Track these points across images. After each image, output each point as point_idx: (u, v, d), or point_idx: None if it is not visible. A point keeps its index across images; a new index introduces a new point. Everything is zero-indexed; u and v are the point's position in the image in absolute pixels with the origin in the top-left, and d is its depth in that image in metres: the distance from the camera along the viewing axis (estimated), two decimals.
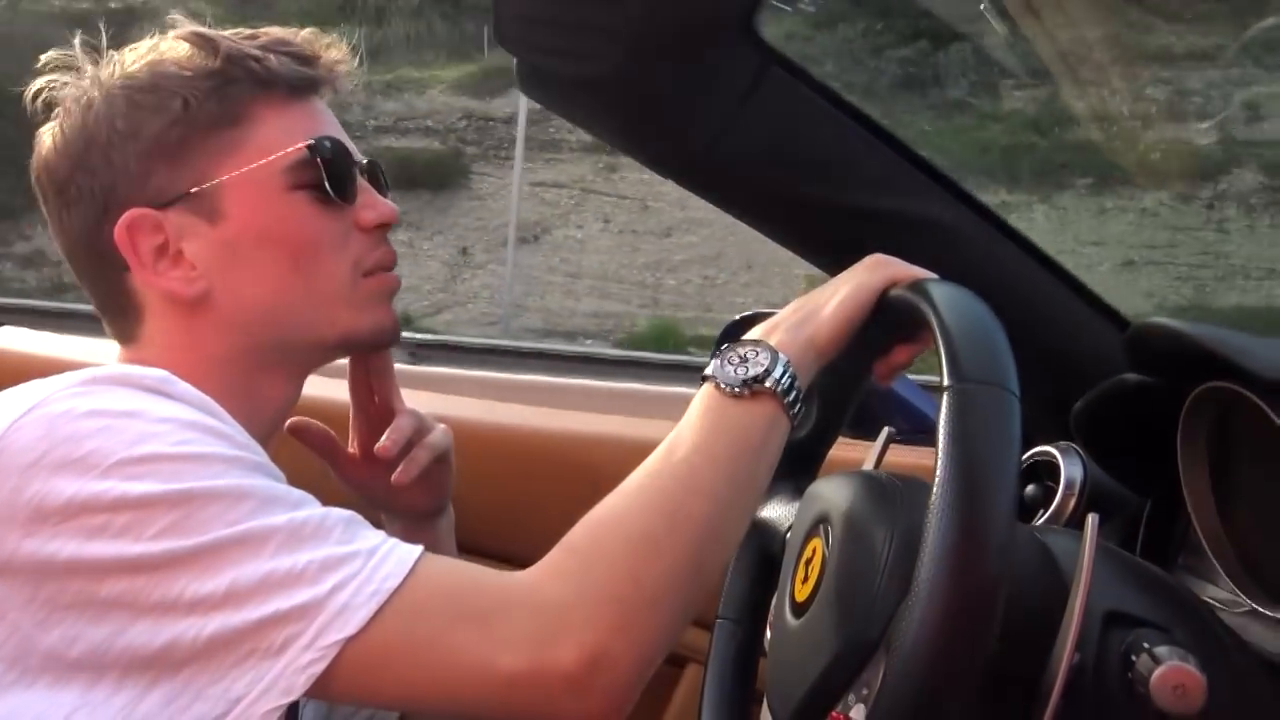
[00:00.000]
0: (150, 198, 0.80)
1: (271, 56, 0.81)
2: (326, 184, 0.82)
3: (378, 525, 0.71)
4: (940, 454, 0.61)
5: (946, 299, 0.71)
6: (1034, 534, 0.74)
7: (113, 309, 0.84)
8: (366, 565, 0.65)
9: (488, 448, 1.24)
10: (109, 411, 0.67)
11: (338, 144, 0.84)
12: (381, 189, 0.89)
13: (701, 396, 0.75)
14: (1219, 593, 0.84)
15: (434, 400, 1.31)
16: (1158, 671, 0.60)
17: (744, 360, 0.75)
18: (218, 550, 0.63)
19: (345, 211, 0.84)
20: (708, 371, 0.76)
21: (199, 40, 0.81)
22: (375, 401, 0.96)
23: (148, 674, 0.63)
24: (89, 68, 0.82)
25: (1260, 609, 0.78)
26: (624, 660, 0.65)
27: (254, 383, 0.83)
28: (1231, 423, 0.82)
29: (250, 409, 0.80)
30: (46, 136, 0.83)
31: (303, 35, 0.86)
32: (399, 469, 0.94)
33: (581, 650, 0.64)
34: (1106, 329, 1.04)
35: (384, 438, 0.93)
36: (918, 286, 0.76)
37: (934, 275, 0.81)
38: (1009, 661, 0.64)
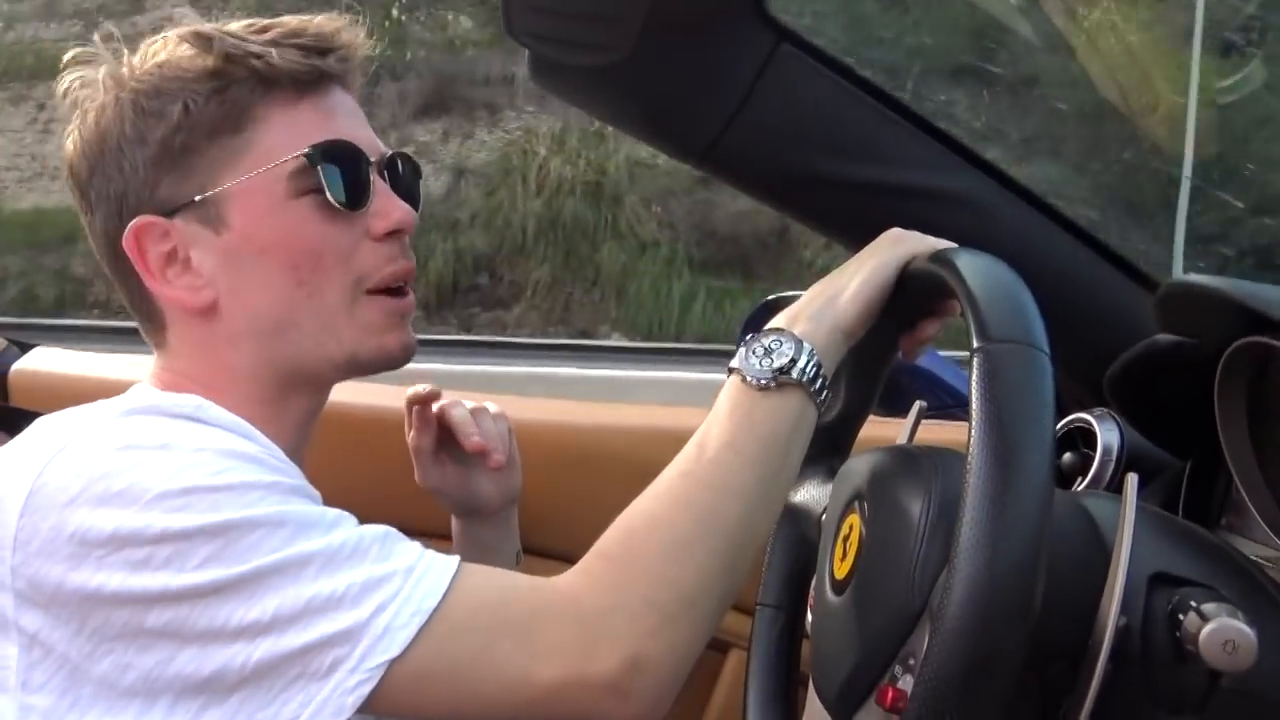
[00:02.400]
0: (159, 205, 0.79)
1: (274, 51, 0.78)
2: (327, 192, 0.78)
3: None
4: (974, 415, 0.60)
5: (968, 264, 0.71)
6: (1074, 499, 0.74)
7: (141, 314, 0.84)
8: (406, 583, 0.65)
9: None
10: (143, 445, 0.68)
11: (343, 147, 0.80)
12: (406, 187, 0.85)
13: (728, 390, 0.75)
14: (1265, 550, 0.83)
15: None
16: (1207, 629, 0.59)
17: (769, 351, 0.74)
18: (259, 578, 0.63)
19: (355, 218, 0.80)
20: (734, 364, 0.76)
21: (197, 40, 0.79)
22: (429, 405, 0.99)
23: (199, 699, 0.64)
24: (105, 67, 0.80)
25: None
26: (663, 663, 0.66)
27: (280, 395, 0.82)
28: (1268, 377, 0.81)
29: (279, 420, 0.81)
30: (69, 139, 0.82)
31: (316, 23, 0.81)
32: (496, 453, 0.99)
33: (621, 656, 0.65)
34: (1135, 291, 1.03)
35: (470, 435, 0.98)
36: (938, 256, 0.75)
37: (954, 245, 0.81)
38: (1053, 629, 0.63)
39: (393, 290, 0.83)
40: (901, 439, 0.97)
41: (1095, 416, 1.07)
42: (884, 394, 1.18)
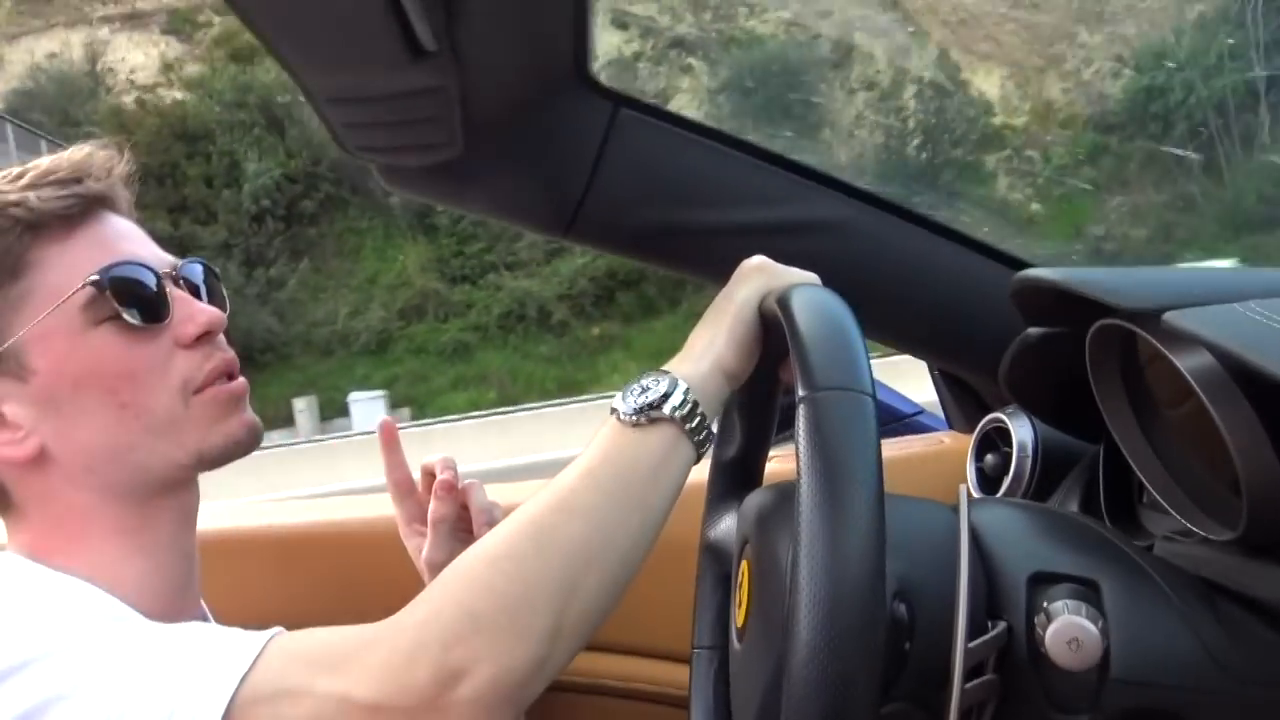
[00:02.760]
0: None
1: (31, 195, 0.78)
2: (123, 315, 0.79)
3: None
4: (799, 467, 0.60)
5: (799, 307, 0.71)
6: (952, 513, 0.73)
7: None
8: (211, 663, 0.66)
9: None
10: None
11: (128, 266, 0.80)
12: (207, 290, 0.86)
13: (602, 427, 0.76)
14: (1180, 524, 0.82)
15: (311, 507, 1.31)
16: (1050, 629, 0.59)
17: (644, 390, 0.75)
18: (56, 704, 0.64)
19: (160, 331, 0.81)
20: (613, 403, 0.77)
21: None
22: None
23: None
24: None
25: (1207, 535, 0.76)
26: (482, 672, 0.64)
27: (142, 513, 0.82)
28: (1134, 357, 0.81)
29: (153, 534, 0.82)
30: None
31: (66, 157, 0.82)
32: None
33: (435, 666, 0.64)
34: (1007, 276, 1.03)
35: (484, 523, 0.97)
36: (781, 297, 0.75)
37: (810, 276, 0.81)
38: (932, 650, 0.63)
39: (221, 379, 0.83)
40: None
41: (1009, 414, 1.07)
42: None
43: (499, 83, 0.84)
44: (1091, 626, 0.58)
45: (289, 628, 0.72)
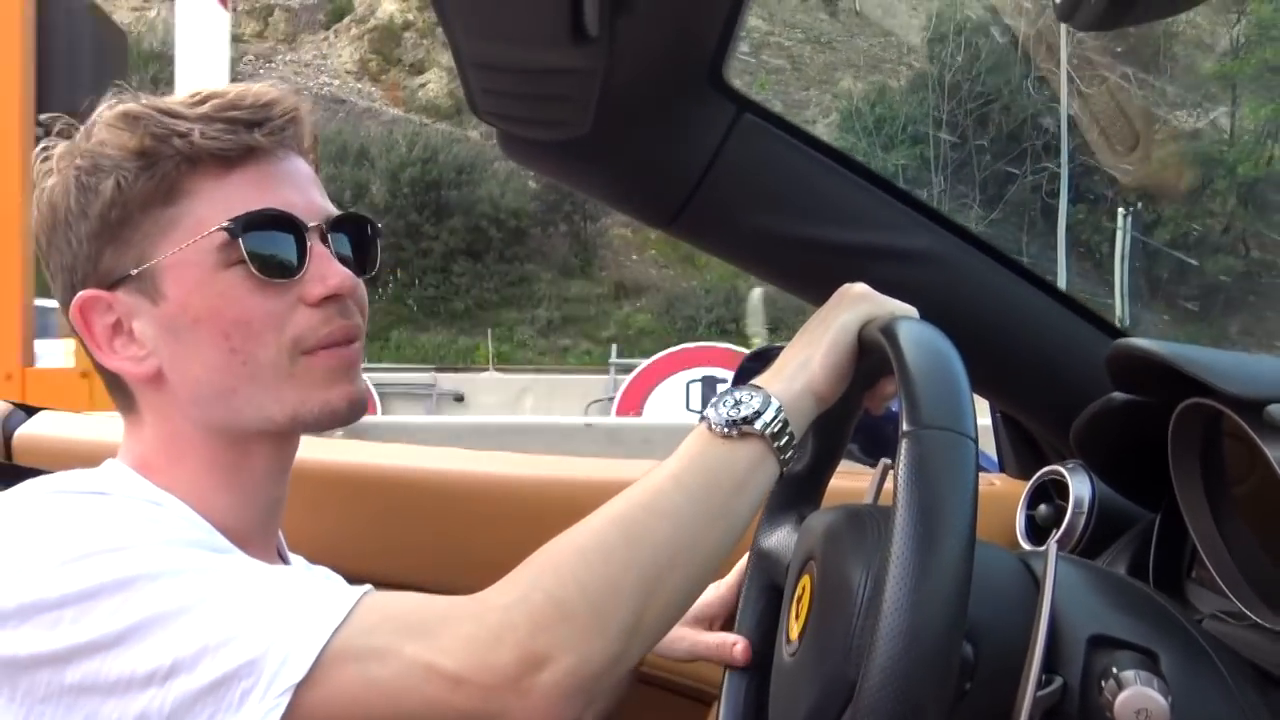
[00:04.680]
0: (101, 278, 0.81)
1: (197, 129, 0.79)
2: (250, 264, 0.79)
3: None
4: (898, 500, 0.62)
5: (909, 341, 0.72)
6: (1020, 561, 0.75)
7: (107, 384, 0.87)
8: (307, 610, 0.68)
9: (473, 497, 1.26)
10: (46, 522, 0.71)
11: (269, 216, 0.80)
12: (356, 249, 0.86)
13: (692, 434, 0.77)
14: (1231, 605, 0.84)
15: (406, 451, 1.34)
16: (1121, 696, 0.60)
17: (738, 403, 0.76)
18: (159, 623, 0.66)
19: (288, 286, 0.81)
20: (704, 412, 0.78)
21: (123, 120, 0.80)
22: None
23: None
24: (62, 144, 0.83)
25: (1261, 621, 0.77)
26: (564, 661, 0.66)
27: (237, 455, 0.84)
28: (1219, 436, 0.82)
29: (244, 478, 0.84)
30: (34, 210, 0.84)
31: (255, 94, 0.82)
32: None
33: (521, 650, 0.66)
34: (1100, 340, 1.04)
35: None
36: (886, 327, 0.77)
37: (908, 309, 0.83)
38: (990, 692, 0.65)
39: (322, 350, 0.83)
40: (869, 495, 0.98)
41: (1068, 469, 1.08)
42: (867, 442, 1.20)
43: (639, 72, 0.86)
44: (1162, 700, 0.60)
45: (352, 565, 0.75)
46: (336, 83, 23.20)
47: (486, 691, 0.66)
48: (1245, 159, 19.52)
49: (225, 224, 0.79)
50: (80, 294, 0.81)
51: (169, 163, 0.79)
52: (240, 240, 0.79)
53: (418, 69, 24.46)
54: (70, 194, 0.81)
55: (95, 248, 0.81)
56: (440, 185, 18.89)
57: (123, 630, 0.66)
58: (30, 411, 1.27)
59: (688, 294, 19.62)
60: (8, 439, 1.21)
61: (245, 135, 0.80)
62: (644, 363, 7.36)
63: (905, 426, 0.66)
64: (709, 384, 7.06)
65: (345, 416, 0.84)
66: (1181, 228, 19.01)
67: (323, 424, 0.84)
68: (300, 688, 0.65)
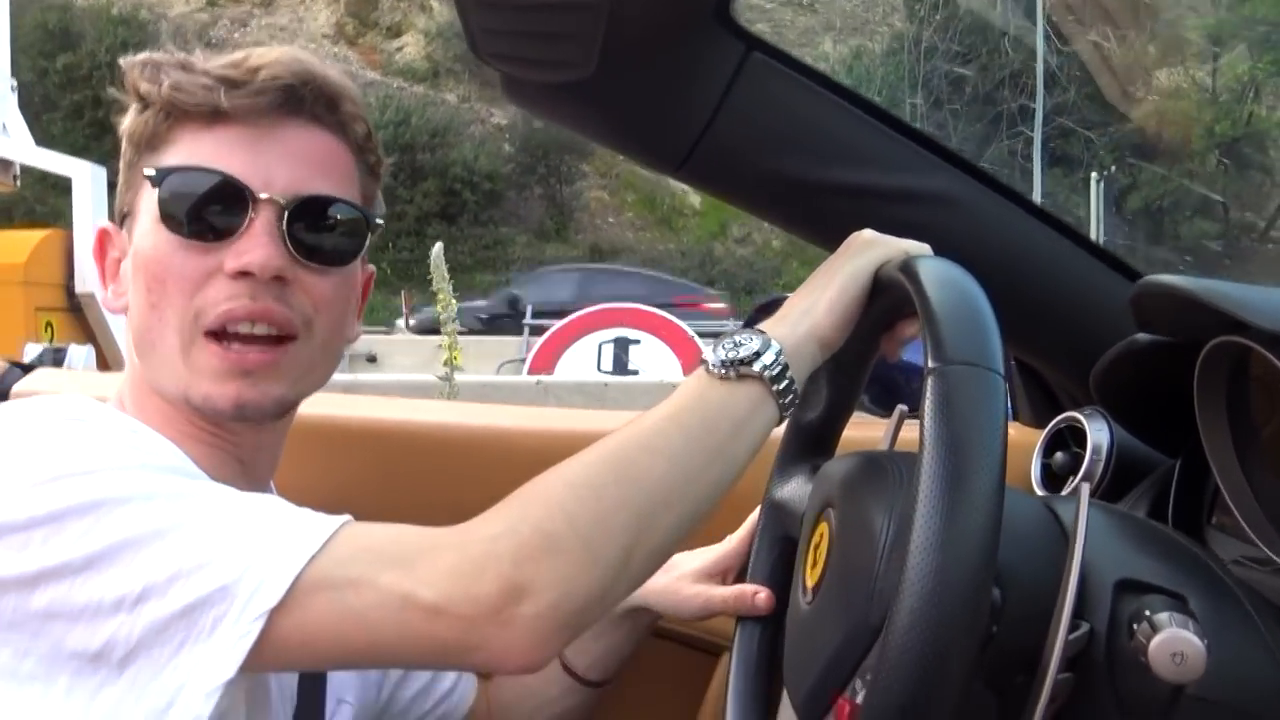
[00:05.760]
0: (117, 214, 0.87)
1: (169, 82, 0.80)
2: (163, 217, 0.79)
3: None
4: (925, 438, 0.60)
5: (930, 277, 0.70)
6: (1044, 506, 0.73)
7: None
8: (282, 537, 0.66)
9: (466, 450, 1.25)
10: (17, 443, 0.70)
11: (197, 176, 0.79)
12: (326, 237, 0.82)
13: (691, 376, 0.76)
14: (1252, 550, 0.82)
15: (406, 406, 1.32)
16: (1156, 640, 0.59)
17: (737, 345, 0.75)
18: (130, 547, 0.64)
19: (212, 251, 0.79)
20: (704, 356, 0.77)
21: (140, 66, 0.82)
22: None
23: (94, 678, 0.65)
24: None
25: None
26: (548, 593, 0.65)
27: (187, 421, 0.83)
28: (1246, 376, 0.80)
29: (207, 439, 0.83)
30: None
31: (253, 57, 0.82)
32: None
33: (503, 579, 0.64)
34: (1119, 283, 1.02)
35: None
36: (905, 265, 0.75)
37: (924, 248, 0.80)
38: (1017, 639, 0.64)
39: (227, 337, 0.80)
40: (885, 442, 0.97)
41: (1086, 415, 1.06)
42: (880, 392, 1.19)
43: (646, 8, 0.83)
44: (1198, 642, 0.58)
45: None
46: (312, 46, 23.07)
47: (466, 622, 0.64)
48: (1224, 117, 19.44)
49: (150, 172, 0.81)
50: (101, 226, 0.87)
51: (158, 115, 0.82)
52: (158, 193, 0.80)
53: (395, 32, 24.27)
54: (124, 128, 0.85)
55: (122, 182, 0.86)
56: (414, 148, 18.88)
57: (92, 554, 0.64)
58: (26, 369, 1.26)
59: (664, 256, 19.60)
60: (4, 396, 1.19)
61: (215, 95, 0.79)
62: (557, 324, 7.20)
63: (930, 364, 0.63)
64: (621, 345, 6.89)
65: (226, 415, 0.81)
66: (1158, 189, 19.04)
67: (207, 414, 0.82)
68: (274, 614, 0.64)
